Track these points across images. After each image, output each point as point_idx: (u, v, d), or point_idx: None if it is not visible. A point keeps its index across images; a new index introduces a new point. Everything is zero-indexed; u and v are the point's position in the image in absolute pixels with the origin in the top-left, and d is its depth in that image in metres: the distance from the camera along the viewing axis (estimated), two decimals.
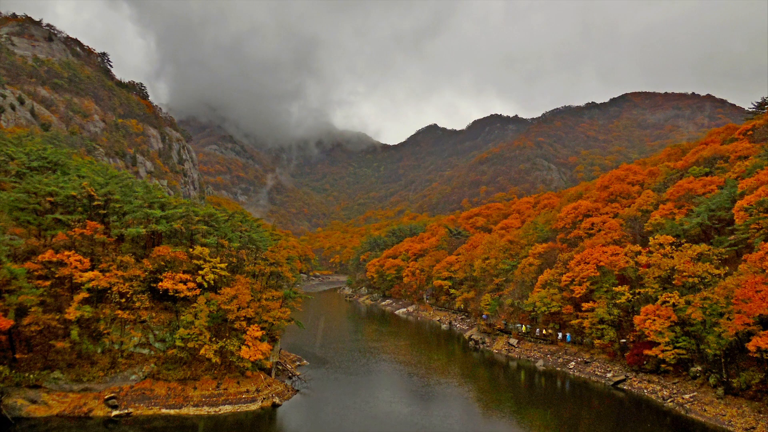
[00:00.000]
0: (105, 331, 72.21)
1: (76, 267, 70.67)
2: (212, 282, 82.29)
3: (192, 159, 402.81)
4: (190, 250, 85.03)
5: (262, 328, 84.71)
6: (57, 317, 67.31)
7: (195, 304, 77.94)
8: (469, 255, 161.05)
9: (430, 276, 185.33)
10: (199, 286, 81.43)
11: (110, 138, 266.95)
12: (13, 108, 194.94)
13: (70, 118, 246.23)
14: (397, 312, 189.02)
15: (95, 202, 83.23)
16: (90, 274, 70.89)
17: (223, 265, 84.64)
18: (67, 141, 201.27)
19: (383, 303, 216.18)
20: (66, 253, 71.12)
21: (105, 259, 77.34)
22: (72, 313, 67.55)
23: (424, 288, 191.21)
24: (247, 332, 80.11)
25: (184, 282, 79.20)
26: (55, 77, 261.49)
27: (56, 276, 70.36)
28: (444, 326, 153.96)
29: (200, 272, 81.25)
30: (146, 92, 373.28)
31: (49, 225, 78.56)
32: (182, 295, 77.98)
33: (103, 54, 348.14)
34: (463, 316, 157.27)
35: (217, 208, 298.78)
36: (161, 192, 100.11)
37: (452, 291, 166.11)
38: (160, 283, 77.37)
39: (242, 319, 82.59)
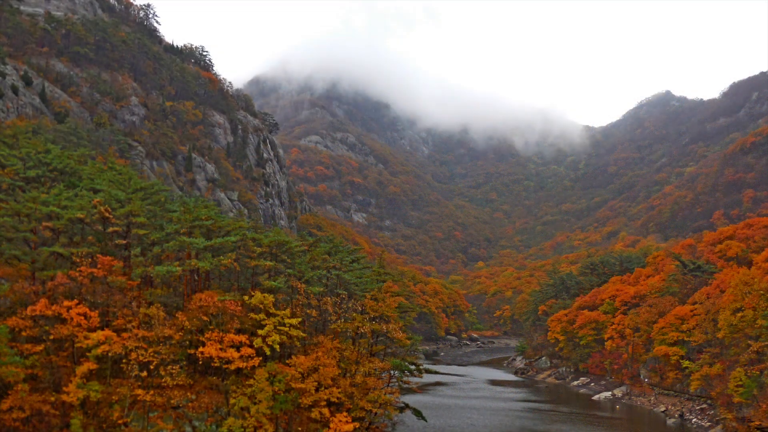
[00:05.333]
0: (120, 421, 77.28)
1: (79, 325, 76.23)
2: (278, 347, 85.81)
3: (279, 158, 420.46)
4: (246, 297, 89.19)
5: (356, 419, 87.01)
6: (52, 399, 72.90)
7: (252, 381, 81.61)
8: (712, 303, 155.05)
9: (649, 339, 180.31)
10: (260, 353, 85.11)
11: (154, 130, 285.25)
12: (15, 91, 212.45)
13: (96, 102, 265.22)
14: (595, 397, 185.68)
15: (112, 228, 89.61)
16: (99, 335, 76.28)
17: (295, 321, 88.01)
18: (90, 137, 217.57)
19: (575, 383, 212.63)
20: (66, 303, 76.89)
21: (122, 313, 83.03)
22: (73, 392, 72.88)
23: (639, 359, 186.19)
24: (331, 425, 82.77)
25: (237, 347, 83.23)
26: (76, 44, 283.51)
27: (52, 337, 76.25)
28: (671, 421, 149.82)
29: (260, 332, 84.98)
30: (209, 60, 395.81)
31: (46, 262, 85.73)
32: (234, 366, 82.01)
33: (147, 6, 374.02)
34: (703, 405, 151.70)
35: (316, 233, 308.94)
36: (210, 210, 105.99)
37: (685, 363, 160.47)
38: (201, 348, 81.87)
39: (324, 404, 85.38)
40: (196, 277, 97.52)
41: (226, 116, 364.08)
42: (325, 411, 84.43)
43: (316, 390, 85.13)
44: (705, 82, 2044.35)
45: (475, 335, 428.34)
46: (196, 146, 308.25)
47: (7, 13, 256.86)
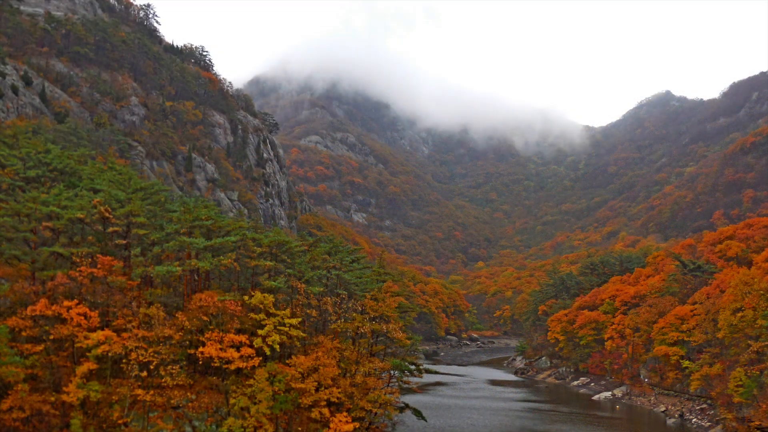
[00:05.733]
0: (120, 421, 77.30)
1: (79, 325, 76.16)
2: (278, 347, 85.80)
3: (279, 158, 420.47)
4: (246, 297, 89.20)
5: (356, 419, 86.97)
6: (52, 399, 72.88)
7: (252, 381, 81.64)
8: (712, 303, 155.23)
9: (649, 339, 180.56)
10: (260, 353, 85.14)
11: (154, 130, 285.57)
12: (15, 91, 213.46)
13: (96, 102, 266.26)
14: (595, 397, 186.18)
15: (111, 228, 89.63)
16: (99, 335, 76.23)
17: (295, 321, 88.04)
18: (90, 137, 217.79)
19: (575, 383, 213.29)
20: (66, 303, 76.84)
21: (122, 313, 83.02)
22: (73, 392, 72.85)
23: (639, 359, 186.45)
24: (331, 425, 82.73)
25: (237, 346, 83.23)
26: (76, 44, 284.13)
27: (52, 337, 76.22)
28: (671, 421, 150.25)
29: (259, 332, 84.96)
30: (209, 60, 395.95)
31: (46, 262, 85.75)
32: (234, 366, 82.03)
33: (147, 6, 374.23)
34: (703, 405, 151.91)
35: (316, 233, 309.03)
36: (210, 210, 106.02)
37: (685, 363, 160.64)
38: (201, 349, 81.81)
39: (324, 404, 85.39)
40: (196, 277, 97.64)
41: (226, 116, 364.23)
42: (325, 411, 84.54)
43: (316, 390, 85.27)
44: (705, 82, 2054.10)
45: (475, 335, 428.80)
46: (196, 146, 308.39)
47: (7, 13, 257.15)
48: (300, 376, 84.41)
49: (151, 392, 78.66)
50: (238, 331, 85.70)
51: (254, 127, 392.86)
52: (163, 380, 79.46)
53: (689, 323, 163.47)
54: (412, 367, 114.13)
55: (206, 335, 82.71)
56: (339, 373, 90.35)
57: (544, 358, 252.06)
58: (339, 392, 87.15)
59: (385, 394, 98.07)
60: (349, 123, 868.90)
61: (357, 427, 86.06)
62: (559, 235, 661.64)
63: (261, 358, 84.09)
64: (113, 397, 77.23)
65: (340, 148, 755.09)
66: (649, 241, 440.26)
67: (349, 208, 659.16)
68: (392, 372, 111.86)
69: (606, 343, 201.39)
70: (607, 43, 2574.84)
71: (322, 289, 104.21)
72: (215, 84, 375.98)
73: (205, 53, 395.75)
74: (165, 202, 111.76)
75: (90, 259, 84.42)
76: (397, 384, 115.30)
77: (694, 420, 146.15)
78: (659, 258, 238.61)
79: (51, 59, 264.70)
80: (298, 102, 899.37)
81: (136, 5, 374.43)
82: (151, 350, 79.09)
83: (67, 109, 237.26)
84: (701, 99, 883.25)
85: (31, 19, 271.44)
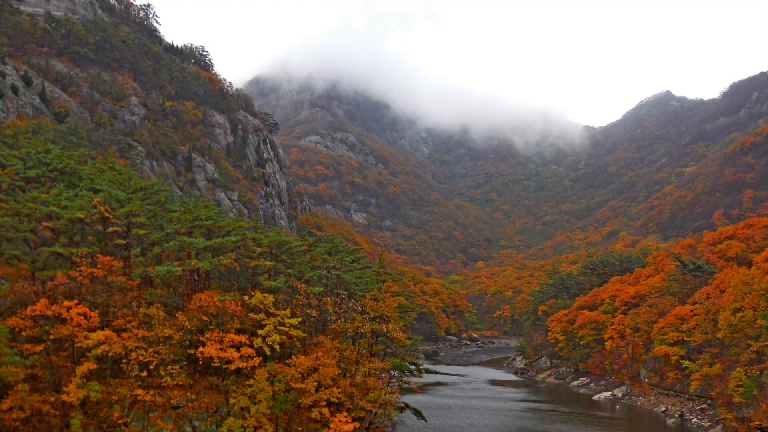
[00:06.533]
0: (120, 421, 77.30)
1: (79, 325, 76.11)
2: (278, 347, 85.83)
3: (279, 158, 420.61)
4: (246, 297, 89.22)
5: (356, 419, 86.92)
6: (52, 399, 72.87)
7: (252, 381, 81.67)
8: (712, 303, 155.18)
9: (649, 339, 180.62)
10: (260, 353, 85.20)
11: (154, 130, 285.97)
12: (15, 91, 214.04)
13: (96, 102, 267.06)
14: (595, 397, 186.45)
15: (111, 228, 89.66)
16: (99, 335, 76.20)
17: (295, 321, 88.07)
18: (90, 137, 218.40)
19: (575, 383, 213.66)
20: (66, 303, 76.79)
21: (122, 313, 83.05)
22: (73, 392, 72.79)
23: (639, 359, 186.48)
24: (331, 425, 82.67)
25: (237, 347, 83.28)
26: (76, 44, 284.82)
27: (52, 337, 76.20)
28: (671, 421, 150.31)
29: (259, 332, 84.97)
30: (209, 60, 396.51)
31: (46, 262, 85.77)
32: (234, 366, 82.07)
33: (147, 6, 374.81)
34: (703, 405, 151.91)
35: (316, 233, 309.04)
36: (210, 210, 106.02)
37: (685, 363, 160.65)
38: (201, 349, 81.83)
39: (324, 404, 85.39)
40: (196, 277, 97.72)
41: (226, 116, 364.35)
42: (325, 411, 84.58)
43: (316, 390, 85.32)
44: (705, 82, 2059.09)
45: (475, 335, 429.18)
46: (196, 146, 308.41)
47: (7, 13, 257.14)
48: (300, 376, 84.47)
49: (151, 392, 78.61)
50: (238, 331, 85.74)
51: (254, 127, 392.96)
52: (163, 380, 79.41)
53: (689, 323, 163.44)
54: (412, 367, 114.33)
55: (206, 335, 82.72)
56: (339, 373, 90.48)
57: (544, 358, 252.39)
58: (339, 392, 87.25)
59: (385, 394, 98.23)
60: (349, 123, 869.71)
61: (357, 427, 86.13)
62: (559, 235, 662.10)
63: (261, 358, 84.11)
64: (113, 397, 77.17)
65: (340, 148, 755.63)
66: (649, 241, 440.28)
67: (349, 208, 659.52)
68: (392, 372, 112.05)
69: (606, 343, 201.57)
70: (607, 43, 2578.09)
71: (322, 289, 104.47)
72: (215, 84, 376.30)
73: (205, 53, 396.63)
74: (165, 202, 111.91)
75: (90, 259, 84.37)
76: (397, 384, 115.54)
77: (694, 420, 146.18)
78: (659, 258, 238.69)
79: (51, 59, 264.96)
80: (298, 102, 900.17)
81: (136, 5, 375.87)
82: (151, 350, 79.02)
83: (67, 109, 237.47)
84: (701, 99, 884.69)
85: (31, 19, 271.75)
